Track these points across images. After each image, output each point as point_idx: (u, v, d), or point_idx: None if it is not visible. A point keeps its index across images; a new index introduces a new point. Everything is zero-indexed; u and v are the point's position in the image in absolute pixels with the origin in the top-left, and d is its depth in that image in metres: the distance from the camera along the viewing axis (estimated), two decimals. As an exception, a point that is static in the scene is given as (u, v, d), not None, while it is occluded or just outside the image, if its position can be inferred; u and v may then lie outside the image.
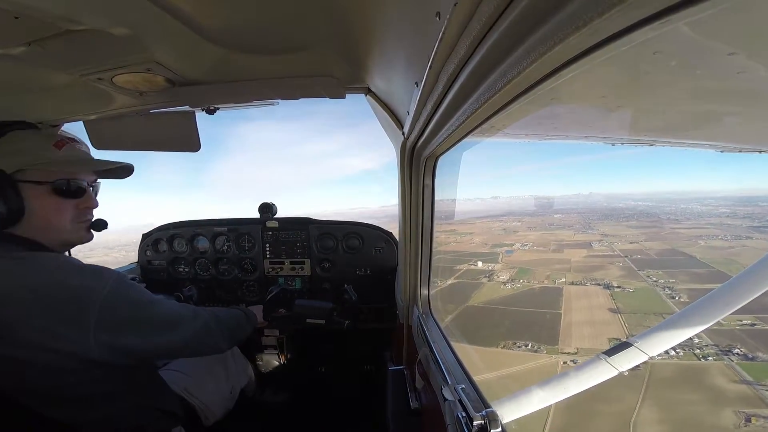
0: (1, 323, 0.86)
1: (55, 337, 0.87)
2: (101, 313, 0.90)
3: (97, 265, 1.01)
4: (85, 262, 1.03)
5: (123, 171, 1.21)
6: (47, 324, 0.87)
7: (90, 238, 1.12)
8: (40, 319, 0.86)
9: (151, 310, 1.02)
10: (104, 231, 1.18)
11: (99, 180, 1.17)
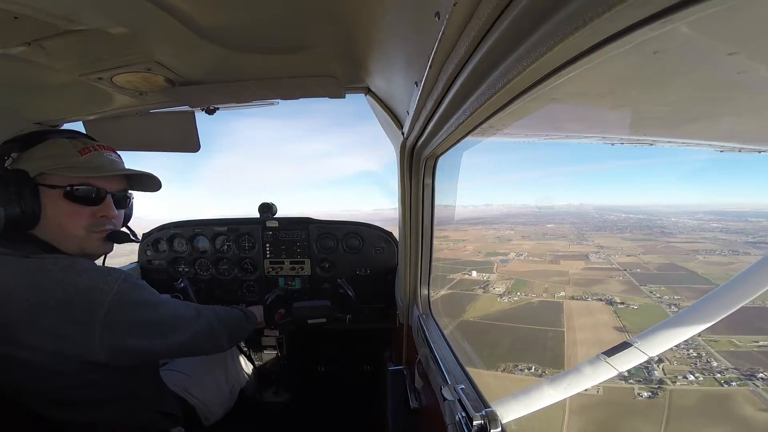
0: (6, 322, 0.85)
1: (60, 338, 0.86)
2: (108, 314, 0.89)
3: (105, 266, 1.01)
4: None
5: (151, 183, 1.18)
6: (52, 325, 0.86)
7: (109, 249, 1.09)
8: (46, 320, 0.86)
9: (156, 311, 1.02)
10: None
11: (131, 192, 1.15)
